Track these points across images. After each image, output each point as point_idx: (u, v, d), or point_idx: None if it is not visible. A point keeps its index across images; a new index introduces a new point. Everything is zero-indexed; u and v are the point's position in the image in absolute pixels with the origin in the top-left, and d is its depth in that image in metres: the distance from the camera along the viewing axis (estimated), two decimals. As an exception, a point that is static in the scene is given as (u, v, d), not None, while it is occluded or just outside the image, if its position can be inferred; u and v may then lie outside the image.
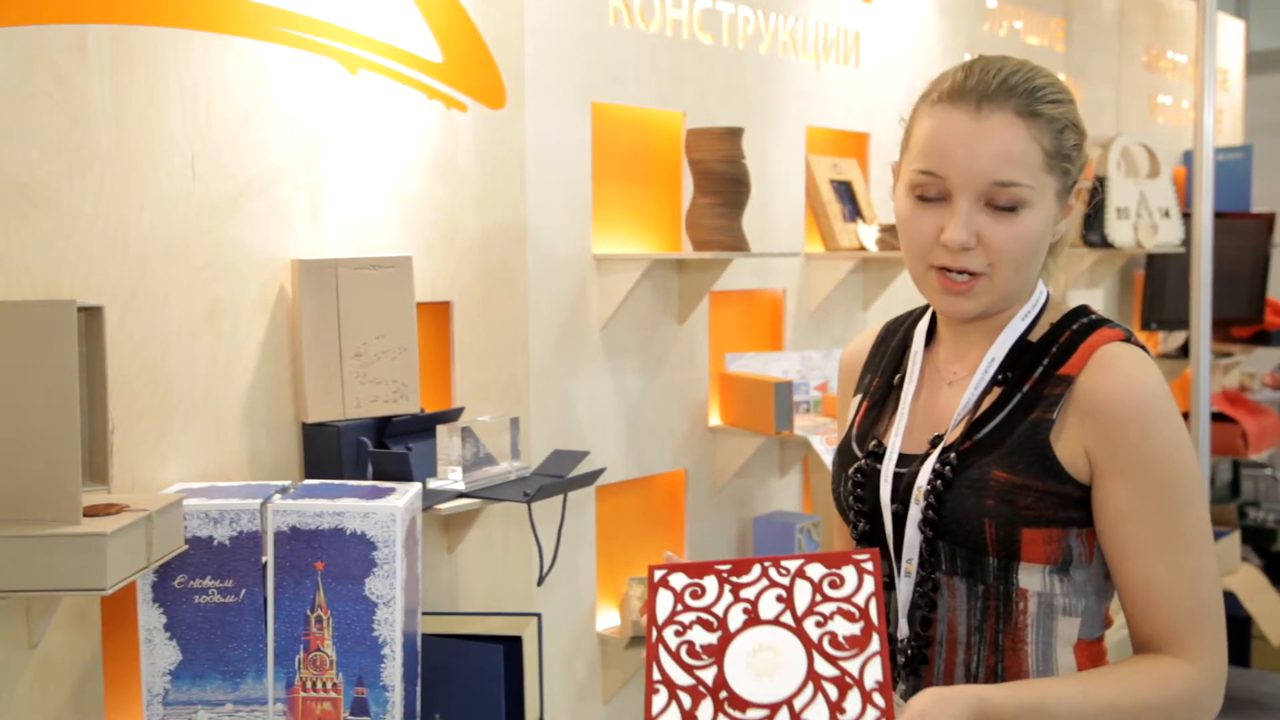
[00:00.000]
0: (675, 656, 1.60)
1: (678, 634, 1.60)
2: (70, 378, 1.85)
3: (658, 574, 1.63)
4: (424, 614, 2.44)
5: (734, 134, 3.17)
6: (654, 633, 1.60)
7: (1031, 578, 1.63)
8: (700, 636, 1.60)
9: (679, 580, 1.63)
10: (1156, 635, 1.60)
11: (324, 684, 2.14)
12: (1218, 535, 5.26)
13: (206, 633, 2.12)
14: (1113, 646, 1.74)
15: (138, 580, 2.08)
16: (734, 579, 1.62)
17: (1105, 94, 5.42)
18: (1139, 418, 1.59)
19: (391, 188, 2.64)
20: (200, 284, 2.31)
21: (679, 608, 1.62)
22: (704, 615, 1.61)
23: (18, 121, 2.05)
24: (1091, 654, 1.69)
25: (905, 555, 1.70)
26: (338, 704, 2.14)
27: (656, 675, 1.59)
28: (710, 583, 1.62)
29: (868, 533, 1.76)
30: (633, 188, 3.37)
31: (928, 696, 1.51)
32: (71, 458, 1.86)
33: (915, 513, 1.67)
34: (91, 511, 1.92)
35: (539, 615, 2.56)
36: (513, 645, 2.50)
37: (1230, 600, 5.20)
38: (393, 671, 2.14)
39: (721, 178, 3.17)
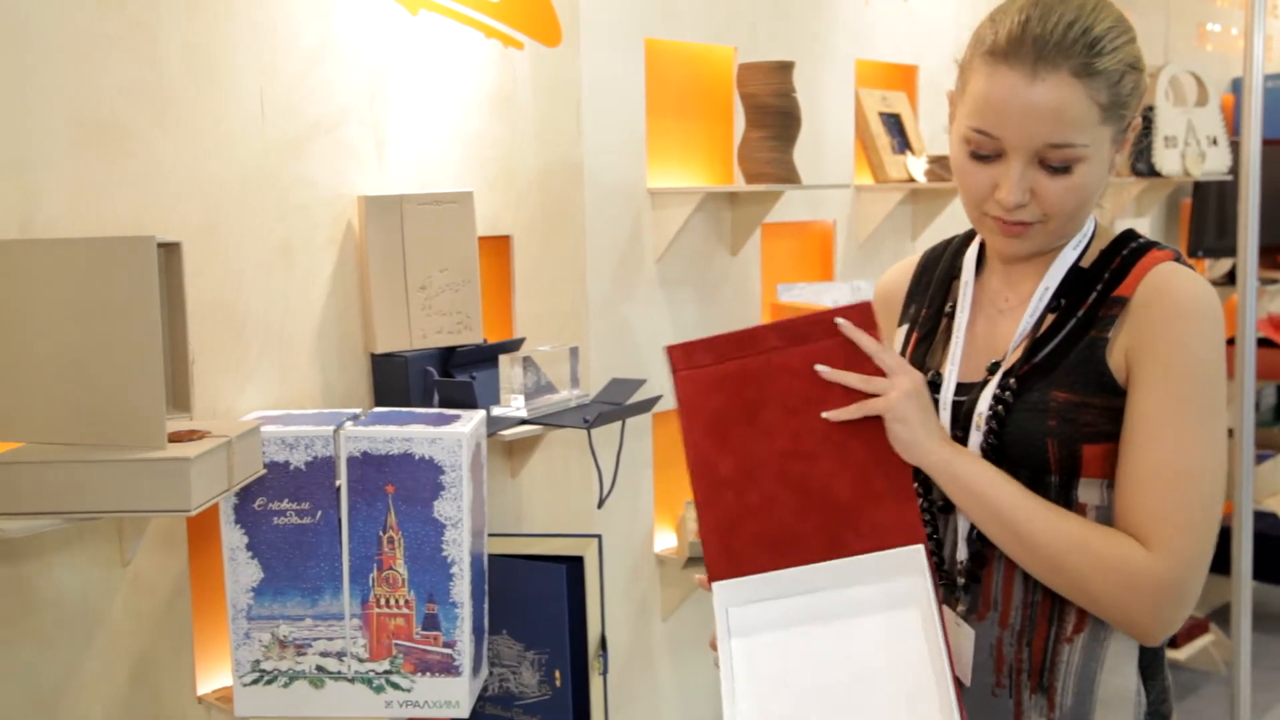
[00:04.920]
0: None
1: None
2: (152, 311, 1.88)
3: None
4: (490, 535, 2.49)
5: (785, 68, 3.19)
6: None
7: (1090, 492, 1.63)
8: None
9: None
10: (1130, 523, 1.58)
11: (397, 601, 2.21)
12: (1261, 458, 5.26)
13: (285, 552, 2.19)
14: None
15: (220, 502, 2.15)
16: None
17: (1154, 22, 5.37)
18: (1178, 325, 1.58)
19: (453, 125, 2.69)
20: (272, 221, 2.37)
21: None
22: None
23: (98, 67, 2.11)
24: None
25: None
26: (410, 619, 2.21)
27: None
28: None
29: None
30: (685, 122, 3.40)
31: (918, 385, 1.62)
32: (156, 387, 1.90)
33: (976, 438, 1.67)
34: (175, 438, 1.97)
35: (599, 536, 2.61)
36: (575, 565, 2.55)
37: (1272, 521, 5.23)
38: (461, 589, 2.21)
39: (773, 111, 3.20)
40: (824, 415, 1.62)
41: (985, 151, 1.62)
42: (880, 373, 1.62)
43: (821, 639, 1.60)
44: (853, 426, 1.62)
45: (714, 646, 1.66)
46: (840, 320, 1.63)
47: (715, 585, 1.64)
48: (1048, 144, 1.57)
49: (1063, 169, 1.59)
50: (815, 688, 1.56)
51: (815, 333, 1.64)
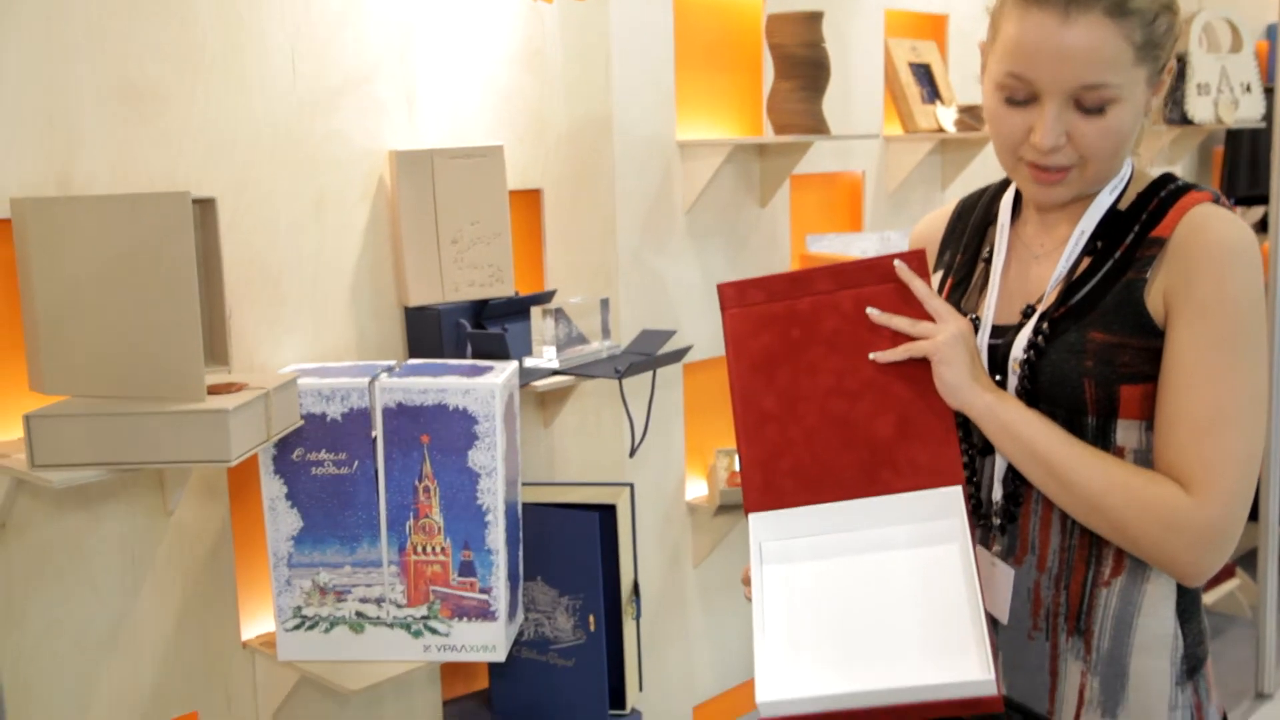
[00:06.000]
0: None
1: None
2: (188, 266, 1.91)
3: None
4: (523, 485, 2.52)
5: (814, 18, 3.19)
6: None
7: (1129, 434, 1.63)
8: None
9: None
10: (1170, 466, 1.58)
11: (433, 548, 2.25)
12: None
13: (324, 501, 2.23)
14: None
15: (259, 453, 2.19)
16: None
17: (1188, -32, 5.35)
18: (1217, 266, 1.56)
19: (482, 80, 2.71)
20: (305, 176, 2.40)
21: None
22: None
23: (131, 26, 2.14)
24: None
25: None
26: (446, 566, 2.25)
27: None
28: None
29: None
30: (714, 74, 3.41)
31: (965, 331, 1.63)
32: (194, 341, 1.93)
33: (1012, 380, 1.68)
34: (214, 390, 2.01)
35: (631, 485, 2.64)
36: (607, 513, 2.58)
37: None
38: (496, 537, 2.24)
39: (802, 62, 3.20)
40: (871, 356, 1.65)
41: (1019, 96, 1.62)
42: (928, 318, 1.65)
43: (855, 569, 1.62)
44: (897, 369, 1.65)
45: (746, 582, 1.69)
46: (897, 262, 1.66)
47: (752, 517, 1.67)
48: (1081, 85, 1.57)
49: (1097, 110, 1.59)
50: (847, 615, 1.58)
51: (867, 278, 1.67)
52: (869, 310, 1.66)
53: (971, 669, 1.48)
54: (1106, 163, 1.64)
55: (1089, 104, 1.59)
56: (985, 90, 1.70)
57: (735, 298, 1.71)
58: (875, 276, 1.68)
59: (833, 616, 1.59)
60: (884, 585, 1.60)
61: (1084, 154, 1.62)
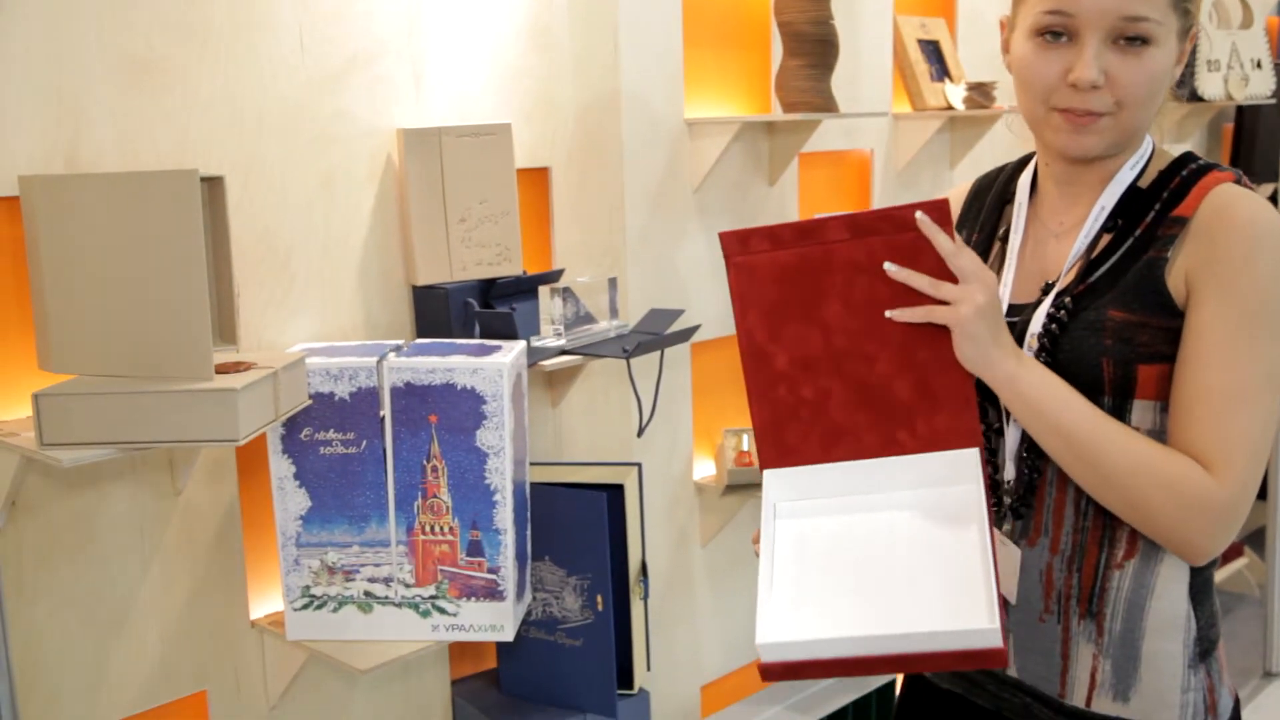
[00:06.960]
0: None
1: None
2: (197, 244, 1.90)
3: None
4: (531, 464, 2.52)
5: (822, -5, 3.18)
6: None
7: (1144, 415, 1.63)
8: None
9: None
10: (1189, 444, 1.57)
11: (441, 528, 2.25)
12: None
13: (333, 481, 2.22)
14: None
15: (267, 433, 2.19)
16: None
17: (1198, -56, 5.30)
18: (1245, 246, 1.56)
19: (490, 57, 2.70)
20: (313, 154, 2.40)
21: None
22: None
23: (139, 2, 2.13)
24: None
25: None
26: (455, 546, 2.25)
27: None
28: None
29: (978, 381, 1.74)
30: (723, 52, 3.39)
31: (990, 296, 1.54)
32: (202, 319, 1.92)
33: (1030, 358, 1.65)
34: (222, 369, 2.00)
35: (639, 465, 2.63)
36: (615, 493, 2.58)
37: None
38: (504, 516, 2.24)
39: (810, 39, 3.18)
40: (888, 314, 1.56)
41: (1058, 29, 1.61)
42: (951, 277, 1.55)
43: (867, 525, 1.59)
44: (916, 328, 1.57)
45: (756, 542, 1.67)
46: (920, 215, 1.54)
47: (766, 473, 1.64)
48: (1123, 15, 1.57)
49: (1136, 48, 1.59)
50: (855, 567, 1.55)
51: (883, 227, 1.56)
52: (886, 265, 1.55)
53: (976, 618, 1.44)
54: (1139, 111, 1.63)
55: (1129, 34, 1.58)
56: (1016, 43, 1.69)
57: (738, 246, 1.62)
58: (892, 226, 1.56)
59: (840, 568, 1.56)
60: (895, 541, 1.57)
61: (1120, 97, 1.61)
